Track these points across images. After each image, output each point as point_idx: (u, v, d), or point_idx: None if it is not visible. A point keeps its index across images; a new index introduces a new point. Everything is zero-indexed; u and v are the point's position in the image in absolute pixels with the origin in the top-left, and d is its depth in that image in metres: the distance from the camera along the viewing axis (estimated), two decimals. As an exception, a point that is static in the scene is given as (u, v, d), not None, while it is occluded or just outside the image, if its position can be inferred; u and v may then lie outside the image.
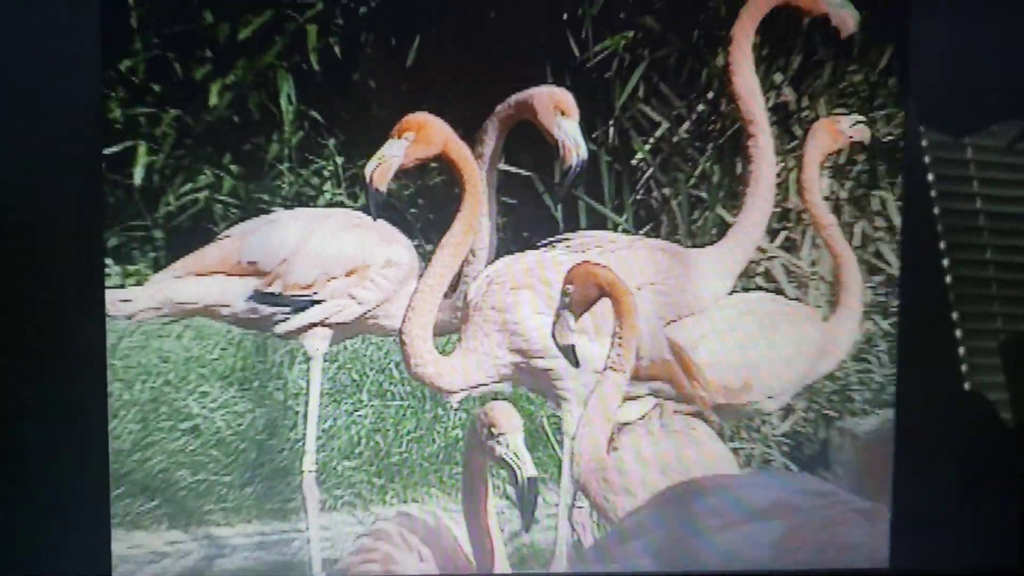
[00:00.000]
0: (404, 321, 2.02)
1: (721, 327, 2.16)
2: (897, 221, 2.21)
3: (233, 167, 2.16)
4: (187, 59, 2.12)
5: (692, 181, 2.25)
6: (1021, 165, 2.23)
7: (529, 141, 2.05)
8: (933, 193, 2.18)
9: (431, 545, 1.95)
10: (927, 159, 2.17)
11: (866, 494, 2.04)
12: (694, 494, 1.90)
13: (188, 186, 2.16)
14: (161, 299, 2.06)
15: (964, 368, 2.20)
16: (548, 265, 2.05)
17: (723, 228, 2.22)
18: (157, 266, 2.12)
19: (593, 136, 2.14)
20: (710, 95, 2.24)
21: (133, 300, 2.05)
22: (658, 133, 2.25)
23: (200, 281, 2.07)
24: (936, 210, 2.18)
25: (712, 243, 2.19)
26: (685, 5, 2.22)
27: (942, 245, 2.18)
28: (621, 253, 2.09)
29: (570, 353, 1.97)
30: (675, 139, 2.25)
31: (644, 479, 1.98)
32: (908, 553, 2.06)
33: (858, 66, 2.23)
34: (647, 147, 2.24)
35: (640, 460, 2.00)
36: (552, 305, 2.01)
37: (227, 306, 2.08)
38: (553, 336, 1.97)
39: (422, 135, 1.99)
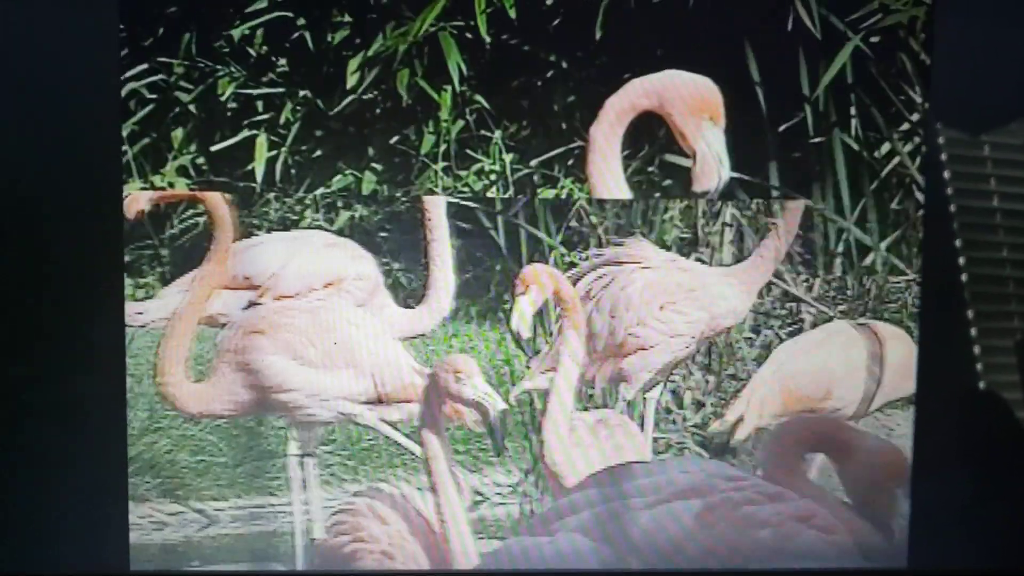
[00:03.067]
0: (159, 344, 2.09)
1: (808, 346, 2.22)
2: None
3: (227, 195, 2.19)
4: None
5: (615, 210, 2.29)
6: (1039, 163, 2.17)
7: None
8: (950, 191, 2.12)
9: (398, 513, 2.06)
10: (944, 156, 2.11)
11: (774, 479, 2.06)
12: (624, 476, 1.99)
13: (190, 211, 2.23)
14: (170, 311, 2.14)
15: (980, 367, 2.16)
16: (281, 312, 2.13)
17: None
18: (164, 280, 2.18)
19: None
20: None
21: (145, 312, 2.13)
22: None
23: (202, 295, 2.12)
24: (953, 208, 2.13)
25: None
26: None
27: (958, 243, 2.13)
28: (649, 274, 2.18)
29: (527, 345, 2.09)
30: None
31: (592, 463, 2.09)
32: (926, 553, 2.05)
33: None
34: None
35: (585, 448, 2.11)
36: (281, 347, 2.12)
37: (226, 315, 2.16)
38: (511, 330, 2.07)
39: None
